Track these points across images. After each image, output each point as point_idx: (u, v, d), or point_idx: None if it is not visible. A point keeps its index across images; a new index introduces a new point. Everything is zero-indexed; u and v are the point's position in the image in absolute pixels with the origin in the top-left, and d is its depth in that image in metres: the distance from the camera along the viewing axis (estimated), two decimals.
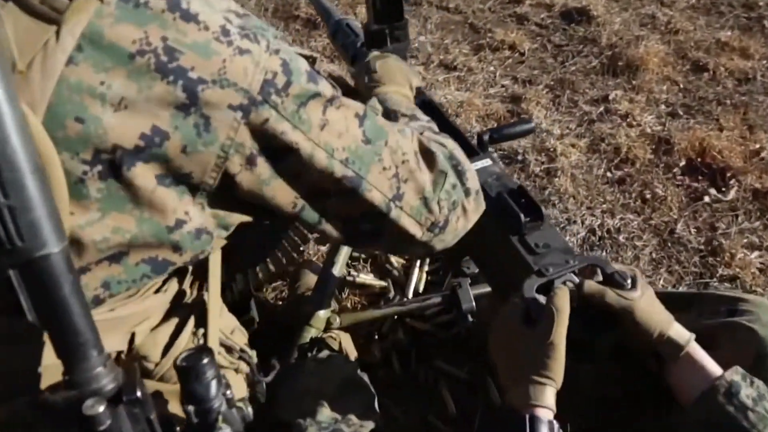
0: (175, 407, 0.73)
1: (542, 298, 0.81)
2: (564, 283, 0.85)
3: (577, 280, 0.85)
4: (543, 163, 2.07)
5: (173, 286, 0.80)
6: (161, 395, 0.76)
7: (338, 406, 0.96)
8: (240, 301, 1.40)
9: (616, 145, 2.11)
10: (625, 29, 2.70)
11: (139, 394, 0.55)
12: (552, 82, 2.44)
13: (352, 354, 1.32)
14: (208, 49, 0.60)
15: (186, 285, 0.83)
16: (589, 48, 2.62)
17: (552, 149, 2.10)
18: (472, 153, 1.06)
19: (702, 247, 1.79)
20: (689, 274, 1.72)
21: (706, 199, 1.93)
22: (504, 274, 0.98)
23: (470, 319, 1.34)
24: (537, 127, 2.20)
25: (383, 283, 1.64)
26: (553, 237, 0.93)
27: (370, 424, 0.96)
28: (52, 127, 0.56)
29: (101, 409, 0.52)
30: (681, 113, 2.25)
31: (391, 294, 1.61)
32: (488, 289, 1.30)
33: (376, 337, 1.51)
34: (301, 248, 1.42)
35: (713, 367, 0.79)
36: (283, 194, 0.69)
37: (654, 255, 1.78)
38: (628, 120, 2.22)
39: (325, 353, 1.21)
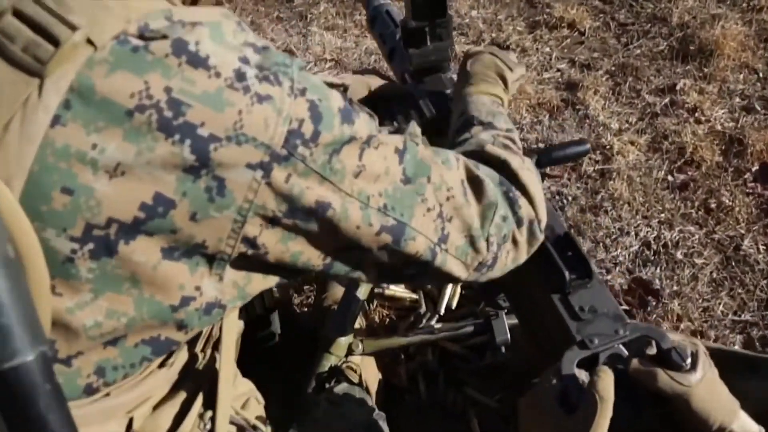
0: None
1: (583, 375, 0.71)
2: (611, 355, 0.74)
3: (625, 352, 0.75)
4: (597, 162, 1.90)
5: (182, 356, 0.71)
6: None
7: None
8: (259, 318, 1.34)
9: (680, 144, 1.92)
10: (700, 6, 2.43)
11: None
12: (613, 68, 2.23)
13: (374, 384, 1.25)
14: (221, 100, 0.50)
15: (198, 348, 0.73)
16: (658, 28, 2.38)
17: (608, 146, 1.93)
18: None
19: None
20: (754, 299, 1.56)
21: None
22: (542, 329, 0.87)
23: (504, 351, 1.25)
24: (593, 120, 2.03)
25: (414, 296, 1.54)
26: (601, 299, 0.82)
27: None
28: (34, 200, 0.47)
29: None
30: (758, 108, 2.02)
31: (423, 309, 1.51)
32: None
33: (402, 357, 1.43)
34: None
35: None
36: (311, 254, 0.61)
37: (715, 275, 1.61)
38: (696, 115, 2.01)
39: (342, 387, 1.15)
